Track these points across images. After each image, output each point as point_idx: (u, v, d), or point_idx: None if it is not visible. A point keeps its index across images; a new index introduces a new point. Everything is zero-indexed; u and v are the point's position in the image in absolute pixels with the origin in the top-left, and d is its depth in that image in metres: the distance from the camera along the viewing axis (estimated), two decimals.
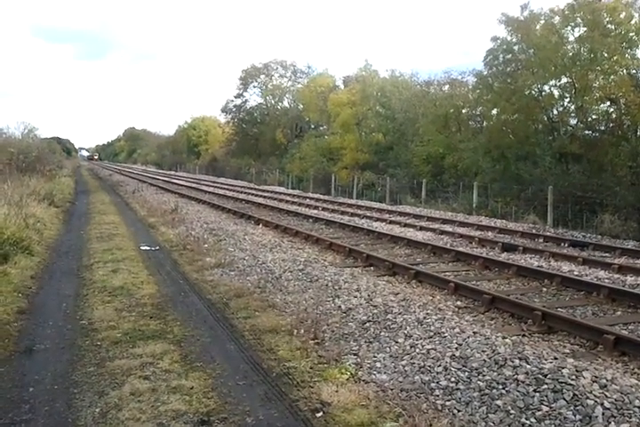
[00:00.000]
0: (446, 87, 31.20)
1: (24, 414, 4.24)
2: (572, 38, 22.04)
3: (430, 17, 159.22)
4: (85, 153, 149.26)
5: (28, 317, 6.71)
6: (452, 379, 4.71)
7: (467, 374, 4.75)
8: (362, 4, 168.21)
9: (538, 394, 4.27)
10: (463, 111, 28.65)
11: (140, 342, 5.71)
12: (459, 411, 4.28)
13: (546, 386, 4.33)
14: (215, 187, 34.21)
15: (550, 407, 4.10)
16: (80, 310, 7.01)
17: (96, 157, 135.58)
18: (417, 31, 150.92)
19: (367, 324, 6.23)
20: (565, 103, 22.86)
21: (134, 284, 8.28)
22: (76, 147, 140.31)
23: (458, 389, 4.56)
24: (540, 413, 4.06)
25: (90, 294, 7.74)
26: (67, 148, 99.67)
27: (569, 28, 22.03)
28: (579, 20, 21.55)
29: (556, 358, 4.82)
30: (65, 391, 4.61)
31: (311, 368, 5.09)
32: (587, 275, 9.27)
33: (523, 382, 4.45)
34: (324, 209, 20.83)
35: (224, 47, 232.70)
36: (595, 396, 4.13)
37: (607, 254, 11.61)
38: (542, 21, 22.75)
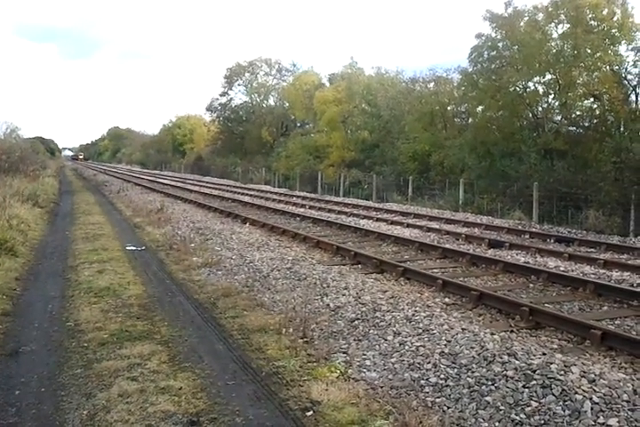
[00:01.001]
0: (431, 84, 31.23)
1: (11, 417, 4.19)
2: (555, 35, 22.21)
3: (415, 14, 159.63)
4: (69, 153, 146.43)
5: (13, 319, 6.63)
6: (442, 376, 4.72)
7: (456, 370, 4.75)
8: (347, 2, 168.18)
9: (527, 390, 4.28)
10: (448, 108, 28.75)
11: (127, 343, 5.66)
12: (448, 408, 4.29)
13: (535, 382, 4.34)
14: (201, 186, 34.07)
15: (539, 403, 4.11)
16: (66, 311, 6.94)
17: (81, 157, 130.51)
18: (402, 28, 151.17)
19: (356, 322, 6.22)
20: (550, 100, 23.02)
21: (120, 284, 8.22)
22: (60, 147, 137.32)
23: (447, 385, 4.57)
24: (529, 408, 4.07)
25: (76, 296, 7.67)
26: (50, 148, 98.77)
27: (552, 24, 22.18)
28: (562, 16, 21.69)
29: (544, 354, 4.84)
30: (52, 394, 4.56)
31: (300, 367, 5.07)
32: (573, 270, 9.33)
33: (512, 377, 4.46)
34: (310, 207, 20.81)
35: (209, 45, 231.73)
36: (583, 391, 4.15)
37: (592, 250, 11.71)
38: (526, 18, 22.89)
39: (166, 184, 35.13)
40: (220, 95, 56.69)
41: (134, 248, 11.62)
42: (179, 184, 35.53)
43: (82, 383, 4.73)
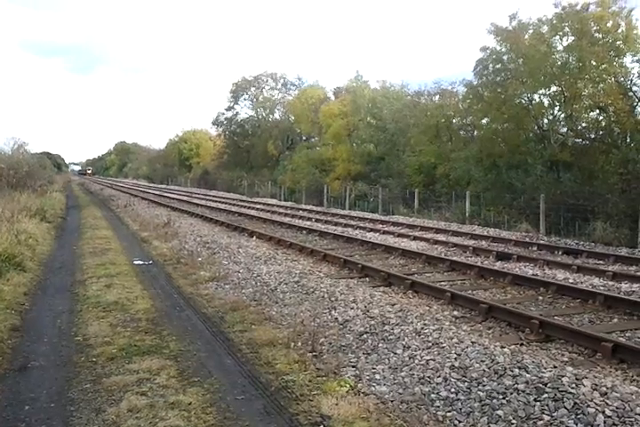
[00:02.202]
0: (437, 97, 31.30)
1: None
2: (560, 47, 22.23)
3: (419, 28, 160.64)
4: (76, 168, 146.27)
5: (22, 334, 6.64)
6: (452, 389, 4.69)
7: (466, 384, 4.72)
8: (352, 16, 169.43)
9: (539, 403, 4.25)
10: (454, 121, 28.75)
11: (136, 358, 5.66)
12: (460, 422, 4.26)
13: (546, 395, 4.31)
14: (207, 200, 34.16)
15: (552, 416, 4.08)
16: (74, 326, 6.95)
17: (89, 172, 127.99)
18: (407, 42, 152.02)
19: (365, 335, 6.20)
20: (555, 112, 22.99)
21: (128, 299, 8.23)
22: (67, 162, 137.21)
23: (458, 399, 4.54)
24: (541, 422, 4.04)
25: (84, 310, 7.68)
26: (57, 163, 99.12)
27: (557, 37, 22.21)
28: (567, 29, 21.74)
29: (555, 367, 4.80)
30: (61, 409, 4.55)
31: (310, 381, 5.05)
32: (582, 282, 9.29)
33: (523, 391, 4.43)
34: (317, 220, 20.82)
35: (214, 60, 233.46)
36: (596, 404, 4.11)
37: (601, 262, 11.65)
38: (531, 31, 22.95)
39: (173, 198, 35.24)
40: (226, 109, 57.05)
41: (142, 262, 11.63)
42: (185, 198, 35.62)
43: (91, 398, 4.73)
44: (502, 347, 5.42)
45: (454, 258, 11.61)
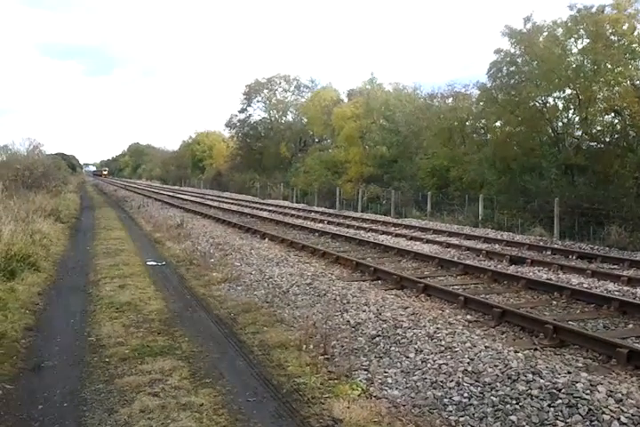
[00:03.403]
0: (450, 100, 31.23)
1: None
2: (575, 50, 22.12)
3: (433, 30, 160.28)
4: (91, 168, 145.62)
5: (36, 333, 6.68)
6: (465, 394, 4.65)
7: (479, 389, 4.69)
8: (365, 18, 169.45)
9: (552, 409, 4.21)
10: (467, 124, 28.67)
11: (148, 359, 5.67)
12: None
13: (560, 401, 4.27)
14: (220, 201, 34.24)
15: (566, 423, 4.04)
16: (88, 326, 6.98)
17: (105, 173, 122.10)
18: (420, 44, 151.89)
19: (377, 338, 6.18)
20: (570, 115, 22.88)
21: (141, 299, 8.26)
22: (81, 162, 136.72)
23: (471, 404, 4.51)
24: None
25: (97, 310, 7.71)
26: (72, 164, 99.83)
27: (572, 39, 22.11)
28: (582, 31, 21.62)
29: (569, 373, 4.76)
30: (74, 409, 4.57)
31: (322, 384, 5.04)
32: (596, 287, 9.21)
33: (537, 396, 4.39)
34: (329, 223, 20.80)
35: (228, 62, 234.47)
36: (611, 411, 4.07)
37: (616, 266, 11.54)
38: (545, 33, 22.84)
39: (186, 200, 35.37)
40: (239, 112, 57.23)
41: (155, 263, 11.68)
42: (198, 200, 35.73)
43: (104, 399, 4.74)
44: (516, 352, 5.38)
45: (467, 262, 11.55)
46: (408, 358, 5.55)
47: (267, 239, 15.30)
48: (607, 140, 21.65)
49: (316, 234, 17.02)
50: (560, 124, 22.96)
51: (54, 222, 17.77)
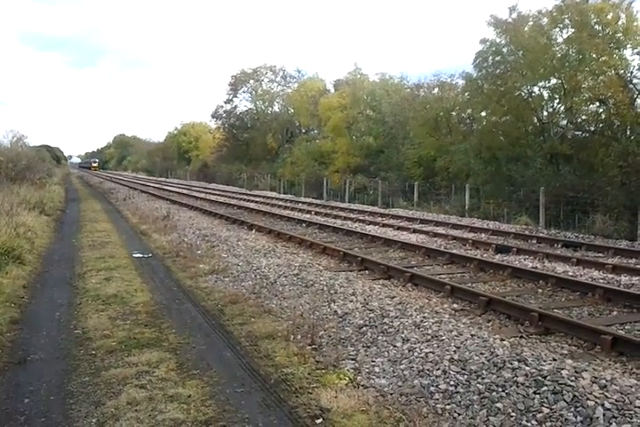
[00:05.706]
0: (436, 90, 31.22)
1: (20, 425, 4.18)
2: (560, 39, 22.12)
3: (418, 20, 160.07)
4: (76, 160, 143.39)
5: (21, 327, 6.63)
6: (452, 382, 4.68)
7: (466, 377, 4.72)
8: (351, 9, 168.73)
9: (538, 396, 4.24)
10: (453, 114, 28.70)
11: (135, 351, 5.65)
12: (459, 414, 4.25)
13: (546, 388, 4.31)
14: (207, 193, 34.12)
15: (551, 409, 4.07)
16: (74, 319, 6.94)
17: (95, 165, 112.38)
18: (406, 34, 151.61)
19: (364, 328, 6.19)
20: (555, 104, 22.94)
21: (128, 292, 8.22)
22: (66, 154, 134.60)
23: (457, 392, 4.54)
24: (540, 415, 4.04)
25: (83, 303, 7.67)
26: (56, 155, 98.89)
27: (557, 29, 22.10)
28: (567, 21, 21.62)
29: (554, 360, 4.80)
30: (61, 402, 4.55)
31: (309, 374, 5.05)
32: (581, 275, 9.30)
33: (522, 384, 4.43)
34: (316, 213, 20.81)
35: (213, 53, 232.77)
36: (595, 397, 4.11)
37: (600, 255, 11.65)
38: (531, 23, 22.82)
39: (172, 191, 35.21)
40: (225, 102, 56.89)
41: (141, 255, 11.62)
42: (184, 191, 35.59)
43: (90, 391, 4.72)
44: (502, 340, 5.43)
45: (454, 251, 11.61)
46: (395, 347, 5.57)
47: (254, 230, 15.27)
48: (592, 129, 21.74)
49: (304, 225, 17.02)
50: (545, 113, 23.03)
51: (39, 215, 17.63)
